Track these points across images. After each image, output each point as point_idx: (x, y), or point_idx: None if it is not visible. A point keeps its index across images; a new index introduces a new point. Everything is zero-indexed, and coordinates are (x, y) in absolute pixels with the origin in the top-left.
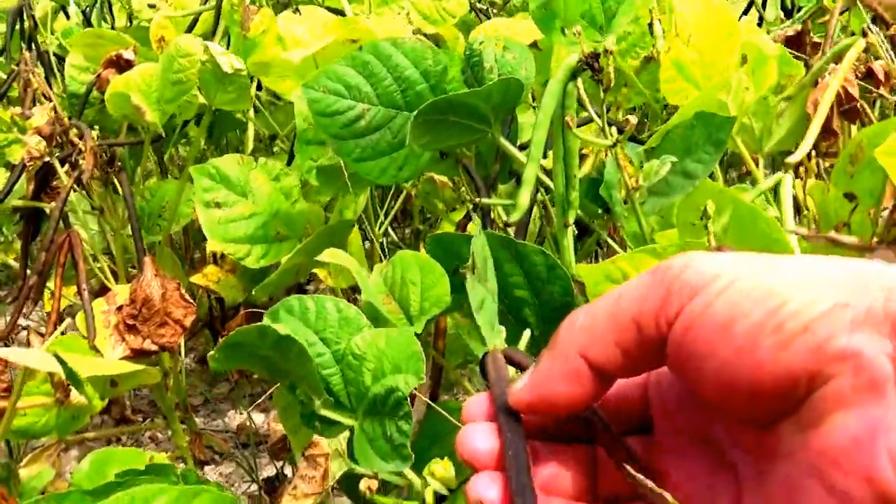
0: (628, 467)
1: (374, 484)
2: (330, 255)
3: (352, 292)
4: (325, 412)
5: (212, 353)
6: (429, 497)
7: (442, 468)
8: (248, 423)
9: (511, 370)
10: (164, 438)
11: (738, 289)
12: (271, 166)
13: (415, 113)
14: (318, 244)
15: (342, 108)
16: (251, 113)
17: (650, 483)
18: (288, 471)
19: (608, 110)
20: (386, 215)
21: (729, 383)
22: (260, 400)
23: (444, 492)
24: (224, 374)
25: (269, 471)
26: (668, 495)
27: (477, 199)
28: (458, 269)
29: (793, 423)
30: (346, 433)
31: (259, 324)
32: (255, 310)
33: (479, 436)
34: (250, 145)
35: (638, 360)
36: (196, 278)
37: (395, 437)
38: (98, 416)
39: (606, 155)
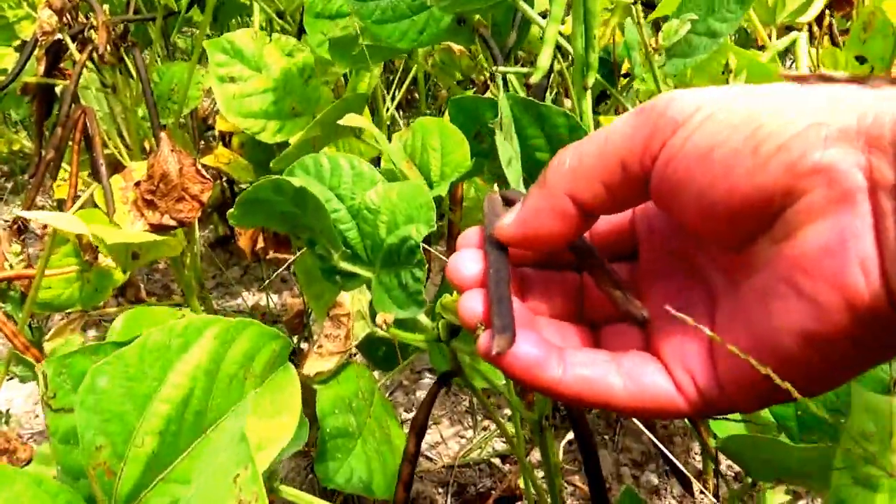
0: (608, 287)
1: (390, 318)
2: (349, 119)
3: None
4: (344, 265)
5: (231, 210)
6: (442, 331)
7: (452, 300)
8: (263, 303)
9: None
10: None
11: (718, 119)
12: (285, 42)
13: None
14: (334, 117)
15: None
16: None
17: (626, 294)
18: (304, 346)
19: None
20: (392, 99)
21: (708, 209)
22: (270, 280)
23: (456, 322)
24: (236, 258)
25: None
26: (639, 304)
27: (494, 68)
28: (479, 134)
29: (767, 239)
30: (369, 296)
31: (275, 177)
32: None
33: (467, 261)
34: (256, 28)
35: (623, 199)
36: (207, 160)
37: (410, 285)
38: (113, 297)
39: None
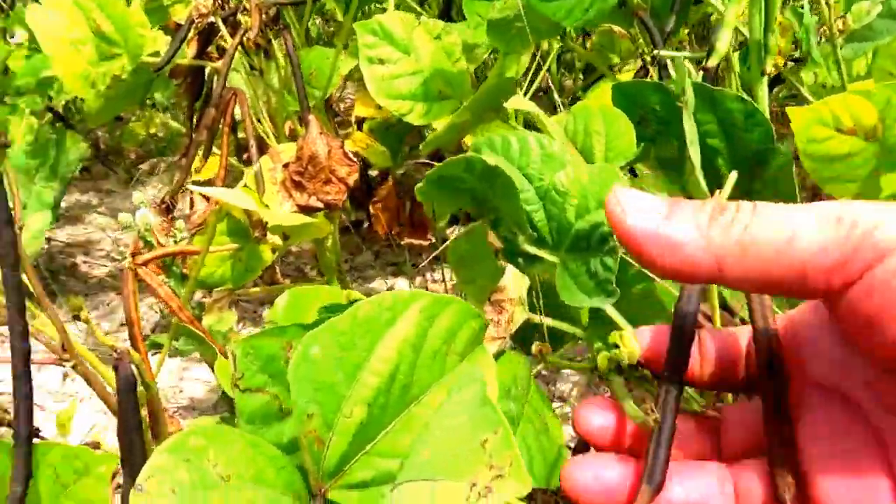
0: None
1: (547, 348)
2: (515, 101)
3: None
4: (528, 248)
5: (419, 185)
6: (601, 361)
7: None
8: (399, 286)
9: None
10: None
11: None
12: (433, 25)
13: None
14: (484, 102)
15: None
16: None
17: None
18: None
19: None
20: (529, 86)
21: None
22: (421, 265)
23: (624, 362)
24: (367, 242)
25: None
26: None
27: (656, 52)
28: (643, 118)
29: None
30: (527, 281)
31: (466, 154)
32: (409, 176)
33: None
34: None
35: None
36: (346, 144)
37: (600, 273)
38: None
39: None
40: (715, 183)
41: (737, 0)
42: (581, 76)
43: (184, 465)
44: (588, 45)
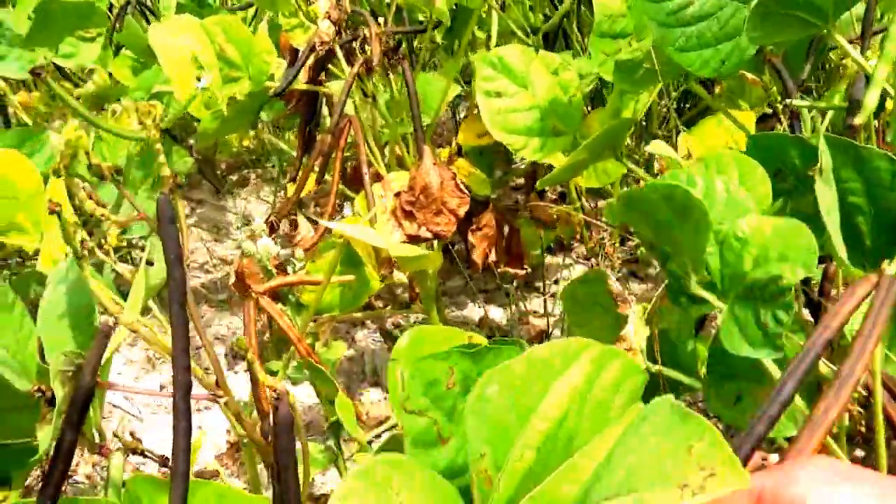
0: None
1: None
2: (656, 146)
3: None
4: (697, 290)
5: (611, 200)
6: None
7: None
8: (491, 315)
9: None
10: (407, 325)
11: None
12: (551, 59)
13: (755, 2)
14: (603, 141)
15: None
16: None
17: None
18: None
19: None
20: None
21: None
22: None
23: None
24: (456, 267)
25: None
26: None
27: (788, 101)
28: (780, 171)
29: None
30: (647, 332)
31: (669, 183)
32: (507, 205)
33: None
34: (494, 42)
35: None
36: None
37: (771, 326)
38: None
39: None
40: (856, 242)
41: (888, 59)
42: (674, 104)
43: (373, 492)
44: (717, 89)
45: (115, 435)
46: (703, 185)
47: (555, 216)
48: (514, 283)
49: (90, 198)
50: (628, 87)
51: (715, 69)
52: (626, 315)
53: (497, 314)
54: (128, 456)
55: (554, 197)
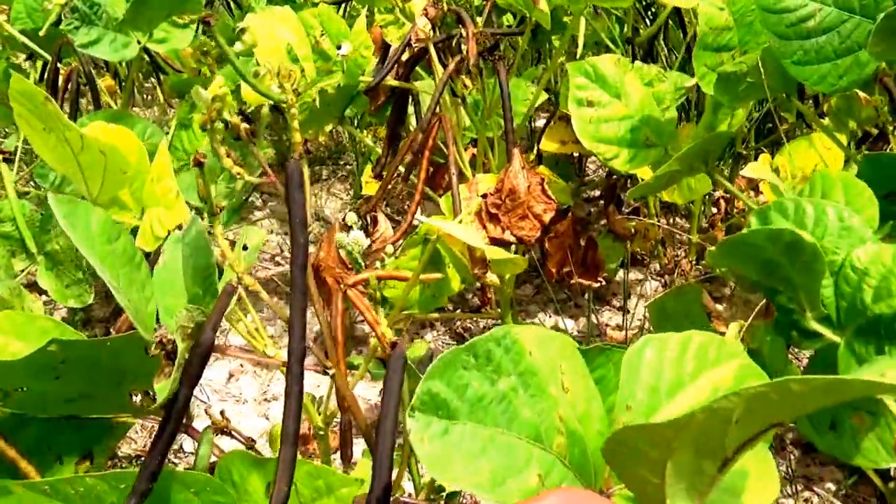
0: None
1: None
2: (754, 169)
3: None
4: (812, 324)
5: (712, 248)
6: None
7: None
8: (561, 325)
9: None
10: (476, 330)
11: None
12: (645, 70)
13: (881, 16)
14: (697, 154)
15: (792, 6)
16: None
17: None
18: None
19: None
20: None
21: None
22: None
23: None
24: (525, 275)
25: None
26: None
27: None
28: (891, 194)
29: None
30: None
31: (773, 227)
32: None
33: None
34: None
35: None
36: None
37: None
38: None
39: None
40: None
41: None
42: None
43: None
44: (825, 107)
45: (207, 413)
46: (812, 213)
47: (632, 230)
48: (585, 295)
49: (228, 155)
50: (728, 100)
51: (832, 84)
52: (720, 332)
53: (568, 325)
54: (217, 435)
55: (627, 212)
